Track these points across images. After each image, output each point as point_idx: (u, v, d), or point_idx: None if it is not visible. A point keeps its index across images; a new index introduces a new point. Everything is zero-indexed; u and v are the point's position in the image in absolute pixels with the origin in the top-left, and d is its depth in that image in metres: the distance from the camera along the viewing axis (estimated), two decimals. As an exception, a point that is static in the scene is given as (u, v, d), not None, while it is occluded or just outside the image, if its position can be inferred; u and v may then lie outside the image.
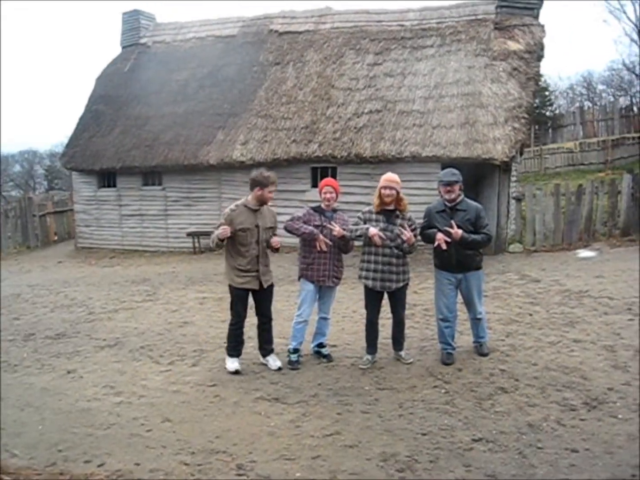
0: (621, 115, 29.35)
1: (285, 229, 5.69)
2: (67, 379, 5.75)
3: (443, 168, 11.82)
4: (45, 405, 5.07)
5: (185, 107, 16.03)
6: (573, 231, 11.85)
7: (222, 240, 5.46)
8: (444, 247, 5.39)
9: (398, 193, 5.47)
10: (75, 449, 4.24)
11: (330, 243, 5.62)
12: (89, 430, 4.54)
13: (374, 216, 5.55)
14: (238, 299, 5.67)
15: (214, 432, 4.41)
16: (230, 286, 5.70)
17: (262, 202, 5.61)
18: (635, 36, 24.34)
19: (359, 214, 5.66)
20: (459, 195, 5.57)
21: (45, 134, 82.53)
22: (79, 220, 17.09)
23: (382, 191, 5.47)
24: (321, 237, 5.58)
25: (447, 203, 5.57)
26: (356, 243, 5.86)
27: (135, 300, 9.32)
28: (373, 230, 5.39)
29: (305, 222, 5.70)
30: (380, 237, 5.37)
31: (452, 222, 5.43)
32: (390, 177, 5.54)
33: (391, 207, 5.52)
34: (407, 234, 5.34)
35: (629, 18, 23.87)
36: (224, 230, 5.40)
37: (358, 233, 5.50)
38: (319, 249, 5.59)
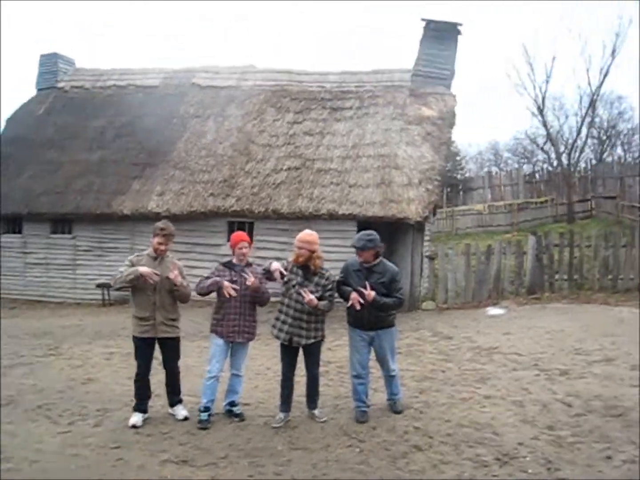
0: (525, 181, 31.36)
1: (197, 293, 5.62)
2: (-51, 443, 5.19)
3: (359, 226, 12.24)
4: None
5: (100, 154, 15.67)
6: (483, 289, 12.29)
7: (132, 281, 5.38)
8: (358, 307, 5.41)
9: (313, 252, 5.47)
10: (-48, 523, 3.79)
11: (237, 287, 5.50)
12: (-30, 501, 4.09)
13: (294, 269, 5.52)
14: (138, 348, 5.62)
15: (114, 500, 4.09)
16: (133, 336, 5.64)
17: (155, 250, 5.60)
18: (535, 110, 26.36)
19: (283, 262, 5.62)
20: (376, 258, 5.61)
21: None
22: (-22, 268, 16.01)
23: (295, 250, 5.50)
24: (225, 283, 5.46)
25: (363, 263, 5.61)
26: (272, 299, 5.79)
27: (36, 355, 8.69)
28: (275, 265, 5.41)
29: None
30: (281, 273, 5.36)
31: (367, 283, 5.46)
32: (303, 237, 5.52)
33: (307, 264, 5.50)
34: (307, 297, 5.28)
35: (529, 94, 25.88)
36: (149, 273, 5.33)
37: (263, 267, 5.53)
38: (227, 295, 5.45)
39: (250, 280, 5.44)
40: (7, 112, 18.69)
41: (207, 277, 5.65)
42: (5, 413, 5.99)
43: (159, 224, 5.66)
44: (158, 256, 5.61)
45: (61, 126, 16.81)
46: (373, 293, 5.39)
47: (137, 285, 5.46)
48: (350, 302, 5.45)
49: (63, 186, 15.10)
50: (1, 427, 5.52)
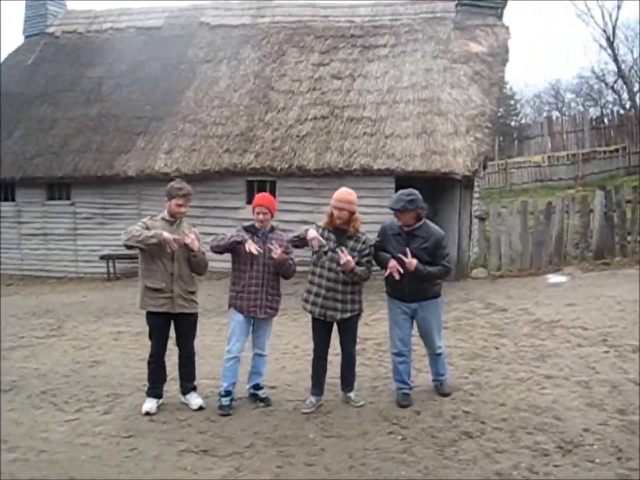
0: (591, 127, 30.62)
1: (211, 249, 5.63)
2: (-52, 433, 5.44)
3: (397, 182, 12.17)
4: None
5: (99, 108, 15.78)
6: (542, 254, 12.18)
7: (151, 245, 5.40)
8: (397, 277, 5.41)
9: (353, 213, 5.49)
10: (-45, 518, 3.99)
11: (261, 251, 5.53)
12: (-26, 495, 4.29)
13: (325, 233, 5.54)
14: (152, 325, 5.73)
15: (130, 493, 4.25)
16: (146, 312, 5.73)
17: (171, 214, 5.69)
18: (604, 42, 25.56)
19: (312, 225, 5.64)
20: (419, 220, 5.58)
21: None
22: (-31, 241, 16.44)
23: (334, 211, 5.48)
24: (249, 240, 5.49)
25: (403, 227, 5.61)
26: (299, 268, 5.85)
27: (37, 336, 8.97)
28: (312, 232, 5.37)
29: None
30: (319, 242, 5.36)
31: (407, 250, 5.45)
32: (342, 195, 5.50)
33: (344, 227, 5.51)
34: (344, 257, 5.30)
35: (596, 23, 25.09)
36: (172, 240, 5.37)
37: (295, 234, 5.52)
38: (248, 250, 5.43)
39: (277, 252, 5.48)
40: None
41: (224, 236, 5.63)
42: (8, 399, 6.23)
43: (174, 184, 5.71)
44: (175, 220, 5.69)
45: (53, 77, 16.94)
46: (415, 261, 5.38)
47: (152, 252, 5.53)
48: (388, 271, 5.46)
49: (58, 146, 15.29)
50: (4, 415, 5.75)
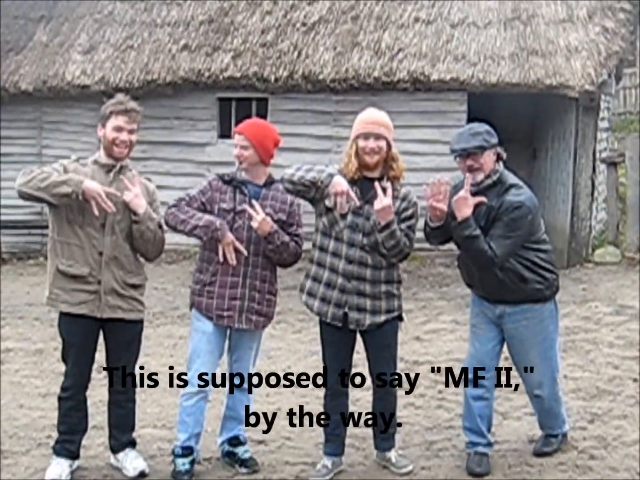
0: None
1: (166, 222, 5.55)
2: None
3: (472, 103, 12.03)
4: None
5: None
6: None
7: (61, 198, 5.20)
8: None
9: (389, 147, 5.45)
10: None
11: (245, 253, 5.47)
12: None
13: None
14: (68, 337, 5.61)
15: None
16: (59, 315, 5.62)
17: (108, 151, 5.50)
18: None
19: (326, 171, 5.33)
20: (493, 169, 5.43)
21: None
22: None
23: (361, 144, 5.36)
24: (229, 236, 5.40)
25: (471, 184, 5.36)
26: (306, 245, 5.81)
27: None
28: (342, 182, 5.17)
29: (203, 205, 5.57)
30: (352, 201, 5.16)
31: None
32: (373, 116, 5.47)
33: (374, 174, 5.49)
34: (258, 217, 5.24)
35: None
36: (99, 192, 5.19)
37: (302, 173, 5.29)
38: (222, 259, 5.43)
39: (257, 220, 5.36)
40: None
41: (191, 199, 5.56)
42: None
43: (114, 100, 5.53)
44: (114, 164, 5.53)
45: None
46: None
47: (69, 215, 5.38)
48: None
49: None
50: None
